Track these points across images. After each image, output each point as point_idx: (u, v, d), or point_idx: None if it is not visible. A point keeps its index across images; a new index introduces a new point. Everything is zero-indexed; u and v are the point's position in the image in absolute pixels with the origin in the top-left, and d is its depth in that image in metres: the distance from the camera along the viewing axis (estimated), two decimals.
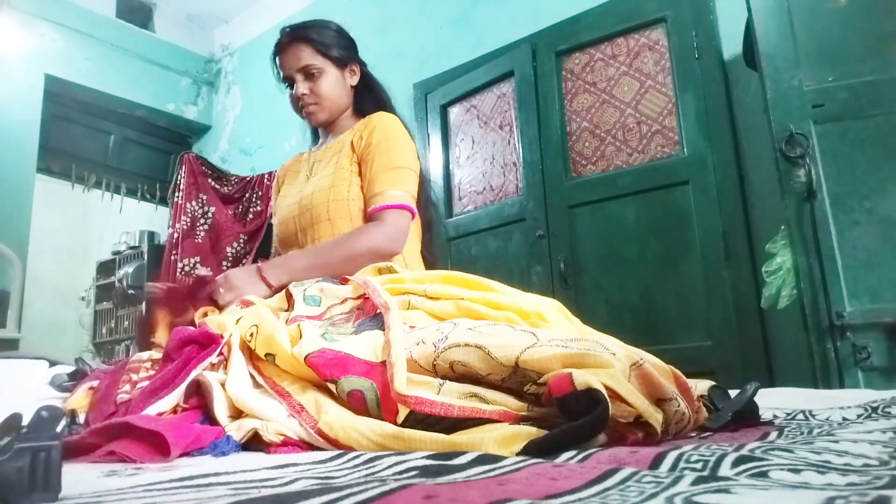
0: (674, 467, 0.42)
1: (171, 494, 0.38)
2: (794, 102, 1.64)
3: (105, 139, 4.27)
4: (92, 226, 6.05)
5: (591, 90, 2.48)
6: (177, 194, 3.81)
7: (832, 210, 1.57)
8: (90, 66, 3.89)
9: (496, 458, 0.45)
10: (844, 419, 0.76)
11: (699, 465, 0.42)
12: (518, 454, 0.51)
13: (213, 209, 3.81)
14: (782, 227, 1.67)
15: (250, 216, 3.79)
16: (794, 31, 1.68)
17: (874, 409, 0.79)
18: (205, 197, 3.84)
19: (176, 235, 3.72)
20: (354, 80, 1.44)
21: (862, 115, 1.59)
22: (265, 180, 3.74)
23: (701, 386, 0.80)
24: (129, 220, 4.82)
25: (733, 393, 0.79)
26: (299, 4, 3.92)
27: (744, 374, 1.89)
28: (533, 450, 0.52)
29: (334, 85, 1.39)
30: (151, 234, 4.69)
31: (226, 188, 3.90)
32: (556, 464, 0.44)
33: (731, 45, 2.19)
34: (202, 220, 3.80)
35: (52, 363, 0.83)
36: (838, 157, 1.59)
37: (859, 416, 0.77)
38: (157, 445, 0.60)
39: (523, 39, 2.71)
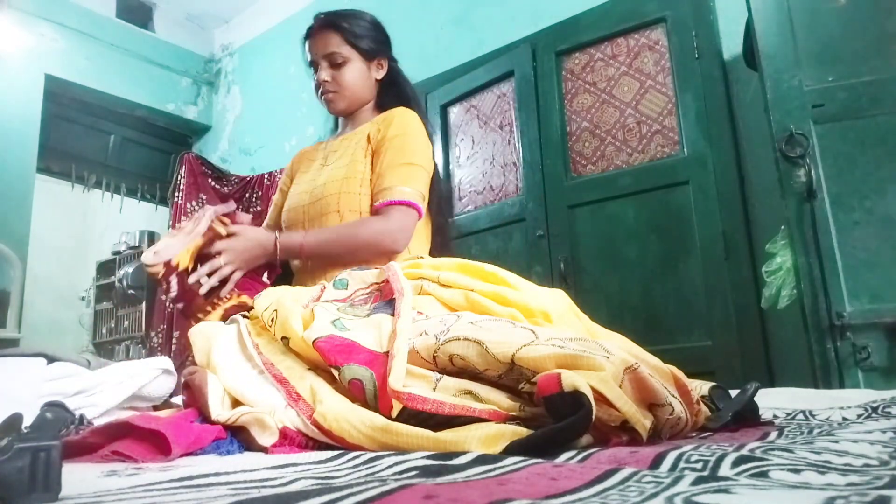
0: (674, 467, 0.42)
1: (171, 494, 0.38)
2: (794, 102, 1.64)
3: (105, 139, 4.27)
4: (92, 226, 6.05)
5: (591, 90, 2.48)
6: (177, 194, 3.81)
7: (832, 210, 1.57)
8: (90, 66, 3.89)
9: (496, 458, 0.45)
10: (844, 419, 0.76)
11: (699, 465, 0.42)
12: (501, 453, 0.52)
13: None
14: (782, 227, 1.67)
15: (250, 216, 3.79)
16: (794, 31, 1.68)
17: (874, 409, 0.79)
18: (205, 197, 3.84)
19: None
20: (380, 75, 1.41)
21: (862, 115, 1.59)
22: (265, 180, 3.74)
23: (703, 388, 0.80)
24: (129, 220, 4.82)
25: (734, 393, 0.79)
26: (299, 4, 3.91)
27: (744, 374, 1.89)
28: (515, 449, 0.52)
29: (357, 76, 1.37)
30: (151, 234, 4.69)
31: (226, 188, 3.90)
32: (557, 464, 0.44)
33: (731, 45, 2.18)
34: None
35: (51, 360, 0.83)
36: (838, 157, 1.59)
37: (859, 416, 0.77)
38: (158, 445, 0.60)
39: (523, 39, 2.70)
